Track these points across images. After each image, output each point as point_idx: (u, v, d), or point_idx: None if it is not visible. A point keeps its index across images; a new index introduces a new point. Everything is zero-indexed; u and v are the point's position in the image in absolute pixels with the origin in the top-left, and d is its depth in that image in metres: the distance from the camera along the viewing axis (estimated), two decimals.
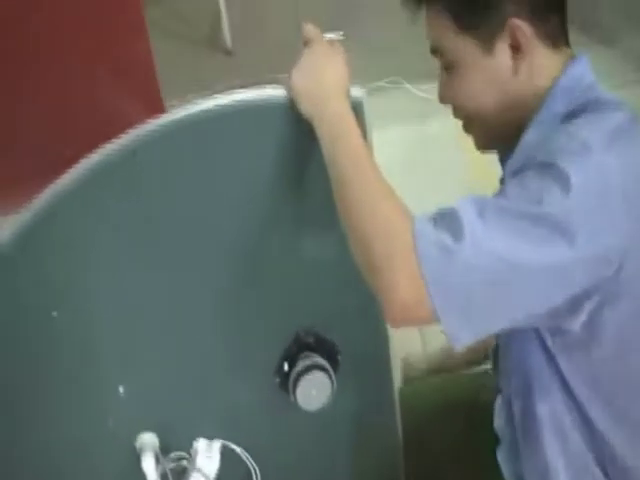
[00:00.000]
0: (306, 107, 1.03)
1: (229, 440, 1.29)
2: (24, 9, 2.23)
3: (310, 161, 1.12)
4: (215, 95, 1.12)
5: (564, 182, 0.88)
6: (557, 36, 1.06)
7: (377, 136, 1.13)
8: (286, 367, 1.26)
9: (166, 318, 1.19)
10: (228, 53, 3.16)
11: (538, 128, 1.03)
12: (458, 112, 1.12)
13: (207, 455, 1.27)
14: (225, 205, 1.14)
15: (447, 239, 0.86)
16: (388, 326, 1.28)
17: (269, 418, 1.32)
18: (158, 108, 2.49)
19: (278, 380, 1.27)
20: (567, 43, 1.09)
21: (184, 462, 1.27)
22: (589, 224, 0.88)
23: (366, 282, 0.94)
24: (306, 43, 1.10)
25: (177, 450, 1.26)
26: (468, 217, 0.88)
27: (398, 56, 2.63)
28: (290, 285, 1.21)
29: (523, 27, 1.01)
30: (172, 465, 1.25)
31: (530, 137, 1.04)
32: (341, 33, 1.15)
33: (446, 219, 0.89)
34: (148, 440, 1.23)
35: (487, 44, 1.03)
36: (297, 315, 1.24)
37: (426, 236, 0.87)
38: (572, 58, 1.07)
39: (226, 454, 1.29)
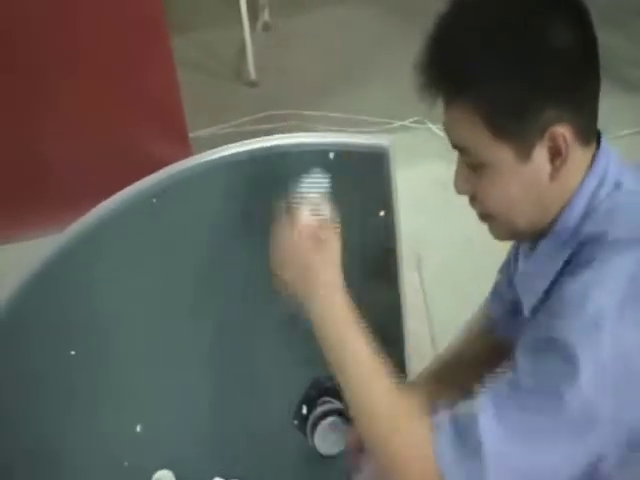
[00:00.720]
0: (297, 292, 1.04)
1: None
2: (57, 43, 2.28)
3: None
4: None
5: (582, 371, 0.86)
6: (591, 130, 0.99)
7: (400, 174, 1.18)
8: (304, 411, 1.26)
9: (185, 361, 1.20)
10: (252, 85, 3.19)
11: (555, 241, 0.99)
12: (479, 205, 1.02)
13: None
14: (246, 251, 1.16)
15: (467, 460, 0.87)
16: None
17: (288, 462, 1.32)
18: (183, 139, 2.53)
19: (296, 423, 1.27)
20: (596, 131, 1.01)
21: None
22: (613, 406, 0.87)
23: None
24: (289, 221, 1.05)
25: None
26: (487, 432, 0.87)
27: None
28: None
29: (566, 134, 0.93)
30: None
31: (546, 248, 1.01)
32: (326, 180, 1.08)
33: (464, 435, 0.88)
34: (164, 477, 1.23)
35: (524, 151, 0.94)
36: (315, 362, 1.24)
37: (446, 458, 0.88)
38: (597, 149, 0.99)
39: None
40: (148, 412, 1.21)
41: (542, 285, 1.00)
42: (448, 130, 0.99)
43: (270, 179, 1.13)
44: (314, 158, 1.13)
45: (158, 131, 2.46)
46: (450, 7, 0.97)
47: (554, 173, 0.95)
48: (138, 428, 1.19)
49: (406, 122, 2.76)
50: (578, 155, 0.96)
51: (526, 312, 1.05)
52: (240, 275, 1.18)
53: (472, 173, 0.99)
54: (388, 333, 1.28)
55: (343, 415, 1.25)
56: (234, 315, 1.21)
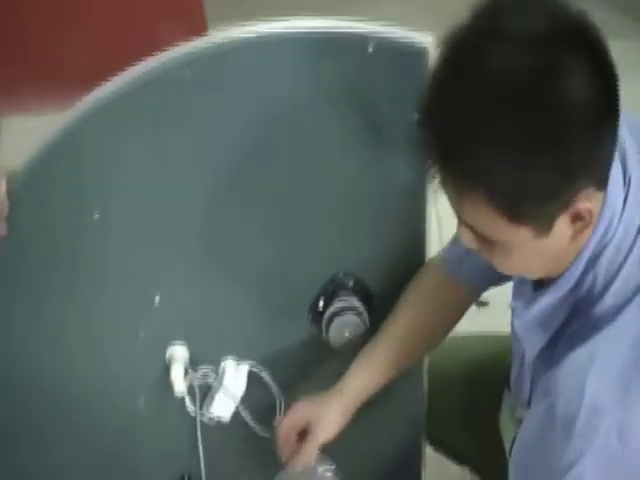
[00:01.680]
0: None
1: (258, 367, 1.32)
2: None
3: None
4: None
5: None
6: (608, 174, 0.86)
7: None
8: (321, 305, 1.27)
9: (209, 239, 1.20)
10: None
11: (558, 292, 0.93)
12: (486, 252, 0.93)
13: (234, 376, 1.31)
14: (268, 135, 1.13)
15: None
16: None
17: (300, 351, 1.34)
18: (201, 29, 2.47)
19: (311, 317, 1.28)
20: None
21: (211, 380, 1.31)
22: None
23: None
24: None
25: (206, 365, 1.30)
26: None
27: None
28: (329, 226, 1.22)
29: (591, 206, 0.83)
30: (199, 381, 1.30)
31: (550, 300, 0.94)
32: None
33: None
34: (178, 352, 1.26)
35: (545, 228, 0.83)
36: (334, 256, 1.24)
37: None
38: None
39: (253, 379, 1.33)
40: (168, 284, 1.22)
41: (547, 335, 0.96)
42: (454, 205, 0.87)
43: (303, 65, 1.10)
44: (351, 48, 1.08)
45: (176, 23, 2.41)
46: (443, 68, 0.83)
47: (574, 236, 0.86)
48: (157, 299, 1.21)
49: None
50: (596, 202, 0.86)
51: (529, 358, 1.02)
52: (269, 164, 1.16)
53: (480, 240, 0.89)
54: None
55: (359, 313, 1.26)
56: (262, 203, 1.20)
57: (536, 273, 0.95)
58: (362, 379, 1.25)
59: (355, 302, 1.26)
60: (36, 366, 1.24)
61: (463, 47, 0.81)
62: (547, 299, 0.94)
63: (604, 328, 0.87)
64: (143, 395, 1.31)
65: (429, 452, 1.59)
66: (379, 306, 1.29)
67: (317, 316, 1.28)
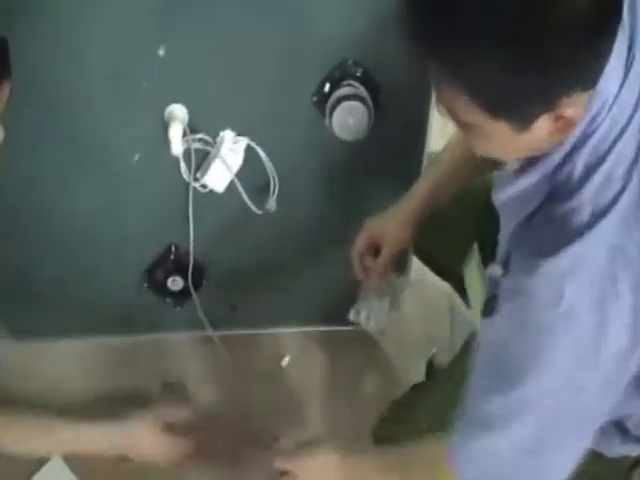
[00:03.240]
0: None
1: (256, 143, 1.32)
2: None
3: None
4: None
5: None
6: (600, 75, 0.81)
7: None
8: (327, 88, 1.25)
9: None
10: None
11: (540, 173, 0.90)
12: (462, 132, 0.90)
13: (232, 148, 1.32)
14: None
15: None
16: None
17: (299, 135, 1.33)
18: None
19: (315, 100, 1.27)
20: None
21: (209, 148, 1.32)
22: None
23: None
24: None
25: (204, 134, 1.30)
26: None
27: None
28: (340, 10, 1.18)
29: (575, 106, 0.79)
30: (197, 145, 1.30)
31: (532, 179, 0.91)
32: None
33: None
34: (177, 111, 1.25)
35: (524, 125, 0.81)
36: (344, 43, 1.21)
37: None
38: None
39: (250, 157, 1.34)
40: (174, 35, 1.19)
41: (523, 213, 0.93)
42: (435, 87, 0.84)
43: None
44: None
45: None
46: None
47: (553, 134, 0.82)
48: (161, 51, 1.18)
49: None
50: (580, 106, 0.81)
51: (506, 231, 0.99)
52: None
53: (458, 122, 0.86)
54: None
55: (365, 103, 1.24)
56: None
57: (511, 160, 0.94)
58: (422, 194, 1.31)
59: (362, 90, 1.24)
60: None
61: None
62: (526, 180, 0.92)
63: (584, 235, 0.85)
64: (139, 151, 1.32)
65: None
66: (385, 104, 1.27)
67: (322, 100, 1.27)
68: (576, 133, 0.85)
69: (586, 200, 0.86)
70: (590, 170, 0.86)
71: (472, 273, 1.27)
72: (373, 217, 1.34)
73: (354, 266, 1.35)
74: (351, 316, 1.39)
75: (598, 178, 0.86)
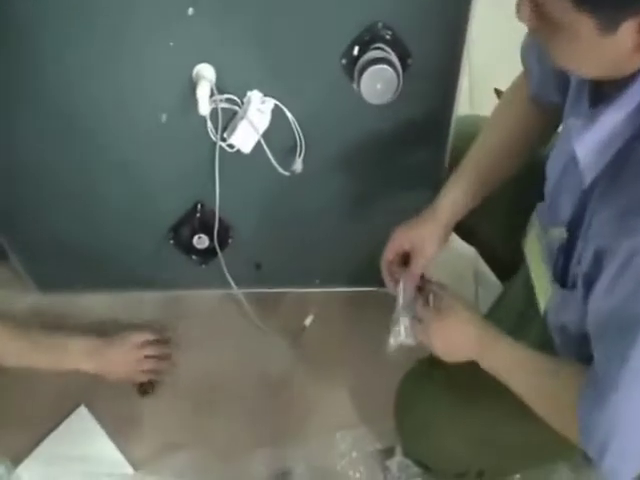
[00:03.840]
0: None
1: (283, 104, 1.32)
2: None
3: None
4: None
5: None
6: None
7: None
8: (356, 51, 1.24)
9: None
10: None
11: (623, 107, 0.86)
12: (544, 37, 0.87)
13: (259, 109, 1.31)
14: None
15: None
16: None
17: (329, 98, 1.32)
18: None
19: (345, 62, 1.26)
20: None
21: (236, 108, 1.31)
22: None
23: None
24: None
25: (232, 94, 1.29)
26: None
27: None
28: None
29: None
30: (225, 105, 1.30)
31: (611, 120, 0.88)
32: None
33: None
34: (206, 70, 1.25)
35: (609, 26, 0.79)
36: (374, 5, 1.18)
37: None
38: None
39: (277, 118, 1.33)
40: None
41: (605, 159, 0.90)
42: None
43: None
44: None
45: None
46: None
47: (638, 47, 0.80)
48: (190, 10, 1.16)
49: None
50: None
51: (586, 184, 0.96)
52: None
53: (541, 20, 0.84)
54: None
55: (394, 67, 1.22)
56: None
57: (590, 72, 0.90)
58: (454, 199, 1.28)
59: (391, 55, 1.23)
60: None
61: None
62: (610, 117, 0.88)
63: None
64: (167, 110, 1.32)
65: None
66: (415, 69, 1.26)
67: (350, 63, 1.25)
68: None
69: None
70: None
71: (533, 246, 1.25)
72: (403, 225, 1.31)
73: (384, 277, 1.33)
74: (391, 342, 1.29)
75: None
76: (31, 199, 1.51)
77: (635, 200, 0.85)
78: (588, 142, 0.91)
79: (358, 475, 1.53)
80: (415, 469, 1.47)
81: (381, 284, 1.35)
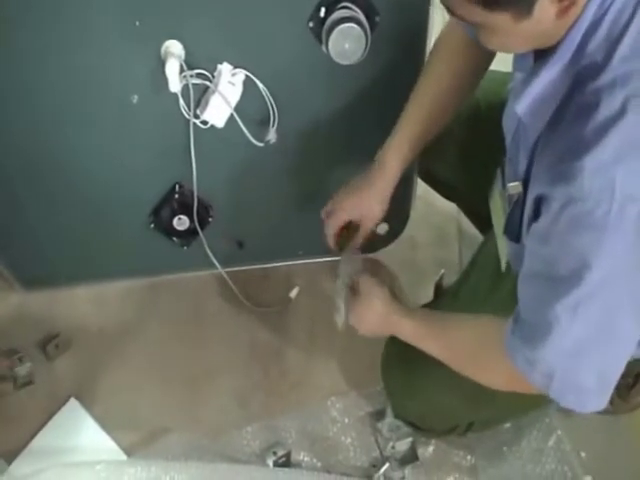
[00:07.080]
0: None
1: (255, 75, 1.31)
2: None
3: None
4: None
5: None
6: None
7: None
8: (322, 13, 1.24)
9: None
10: None
11: (557, 64, 0.89)
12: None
13: (230, 81, 1.31)
14: None
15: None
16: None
17: (299, 63, 1.32)
18: None
19: (312, 25, 1.25)
20: None
21: (207, 83, 1.30)
22: None
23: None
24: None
25: (201, 69, 1.29)
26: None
27: None
28: None
29: None
30: (195, 80, 1.29)
31: (548, 75, 0.90)
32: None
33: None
34: (174, 47, 1.23)
35: (524, 10, 0.82)
36: None
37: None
38: None
39: (248, 90, 1.32)
40: None
41: (547, 115, 0.92)
42: None
43: None
44: None
45: None
46: None
47: (561, 12, 0.83)
48: None
49: None
50: None
51: (531, 138, 0.98)
52: None
53: (462, 20, 0.88)
54: None
55: (361, 25, 1.22)
56: None
57: (521, 50, 0.93)
58: (400, 149, 1.28)
59: (358, 13, 1.23)
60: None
61: None
62: (548, 72, 0.91)
63: (622, 119, 0.83)
64: (138, 91, 1.30)
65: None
66: (382, 25, 1.26)
67: (318, 25, 1.25)
68: (588, 16, 0.85)
69: (617, 74, 0.84)
70: (614, 42, 0.85)
71: (496, 201, 1.26)
72: (343, 191, 1.32)
73: (330, 245, 1.37)
74: (337, 320, 1.35)
75: (622, 50, 0.85)
76: (5, 192, 1.48)
77: (570, 146, 0.87)
78: (527, 98, 0.94)
79: (350, 440, 1.54)
80: (405, 429, 1.50)
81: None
